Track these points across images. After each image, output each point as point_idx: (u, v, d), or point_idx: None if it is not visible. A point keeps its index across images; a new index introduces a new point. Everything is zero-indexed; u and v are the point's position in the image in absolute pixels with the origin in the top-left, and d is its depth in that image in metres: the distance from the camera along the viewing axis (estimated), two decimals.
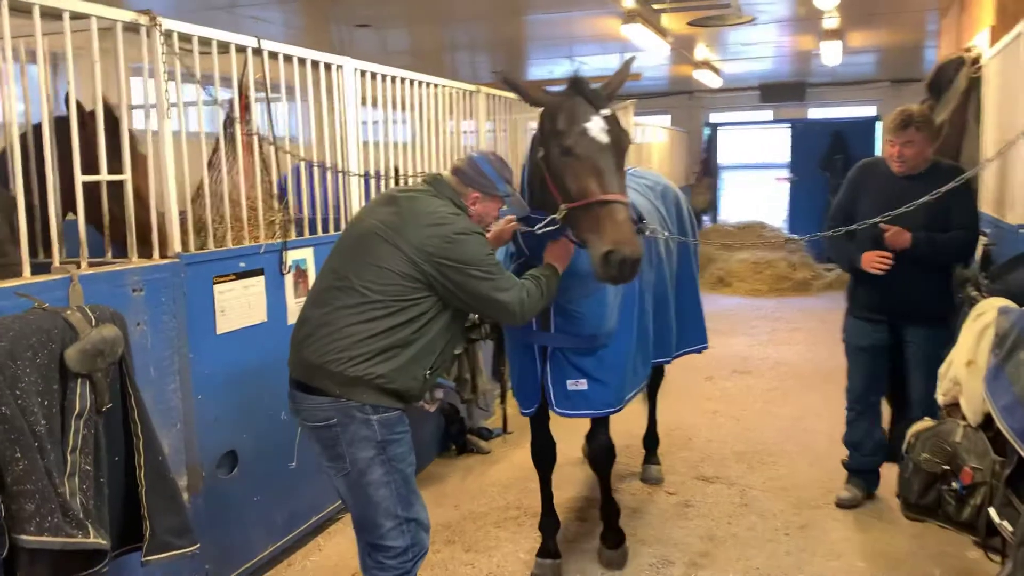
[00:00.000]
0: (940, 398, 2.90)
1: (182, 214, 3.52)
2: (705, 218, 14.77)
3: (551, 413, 3.80)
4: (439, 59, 11.49)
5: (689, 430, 5.92)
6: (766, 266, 12.19)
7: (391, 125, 5.18)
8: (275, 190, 3.93)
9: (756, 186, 15.85)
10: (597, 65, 11.71)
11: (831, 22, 8.26)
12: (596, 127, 2.91)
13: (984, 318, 2.71)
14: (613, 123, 2.95)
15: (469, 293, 2.83)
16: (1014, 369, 2.44)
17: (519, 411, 3.92)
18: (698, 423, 6.09)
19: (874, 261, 4.07)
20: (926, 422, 2.93)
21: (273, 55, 3.89)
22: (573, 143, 2.91)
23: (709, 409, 6.43)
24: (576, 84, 3.02)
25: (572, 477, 5.09)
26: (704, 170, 14.83)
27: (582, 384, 3.66)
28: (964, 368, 2.72)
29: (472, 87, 5.93)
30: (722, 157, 15.74)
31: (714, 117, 15.80)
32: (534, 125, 3.35)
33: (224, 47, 3.61)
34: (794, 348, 8.50)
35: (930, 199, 3.49)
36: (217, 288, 3.52)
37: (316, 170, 4.44)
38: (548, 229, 3.03)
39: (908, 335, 4.20)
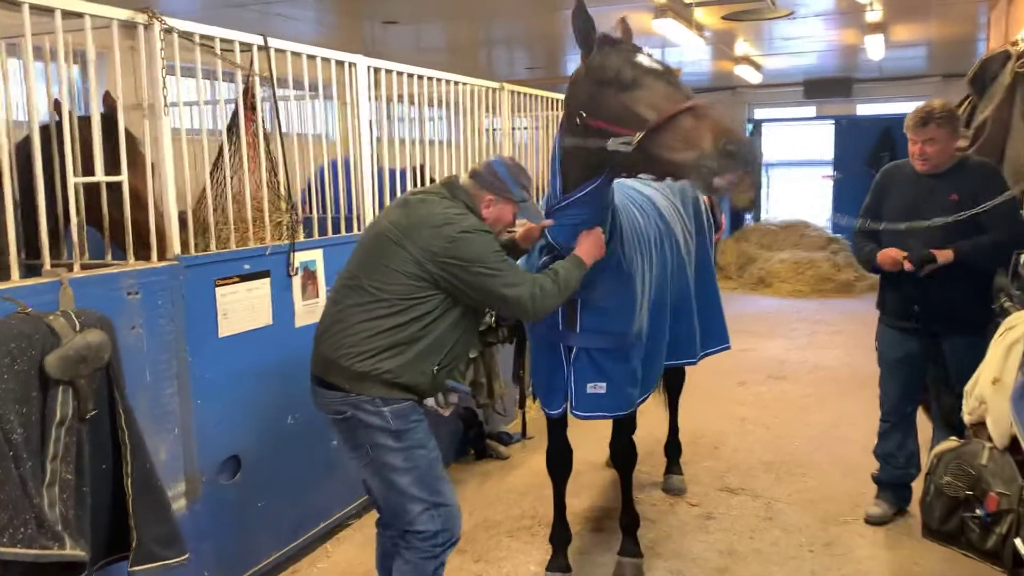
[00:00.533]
0: (966, 417, 2.70)
1: (183, 215, 3.48)
2: (747, 216, 14.45)
3: (570, 418, 3.72)
4: (474, 56, 11.39)
5: (716, 438, 5.74)
6: (808, 266, 11.88)
7: (410, 123, 5.11)
8: (282, 190, 3.86)
9: (801, 184, 15.47)
10: None
11: (874, 15, 7.95)
12: (647, 60, 2.89)
13: (1013, 333, 2.52)
14: (655, 58, 2.94)
15: (479, 290, 2.87)
16: None
17: (544, 411, 3.81)
18: (726, 430, 5.90)
19: (890, 259, 3.88)
20: (950, 442, 2.73)
21: (281, 52, 3.81)
22: (635, 74, 2.84)
23: (739, 416, 6.23)
24: (608, 38, 3.01)
25: (591, 483, 4.96)
26: None
27: (600, 388, 3.58)
28: (990, 386, 2.53)
29: (495, 84, 5.82)
30: (766, 154, 15.36)
31: (758, 113, 15.46)
32: None
33: (228, 45, 3.55)
34: (833, 352, 8.24)
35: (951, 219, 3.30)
36: (219, 291, 3.46)
37: (341, 168, 4.39)
38: (624, 148, 2.87)
39: (946, 345, 3.96)
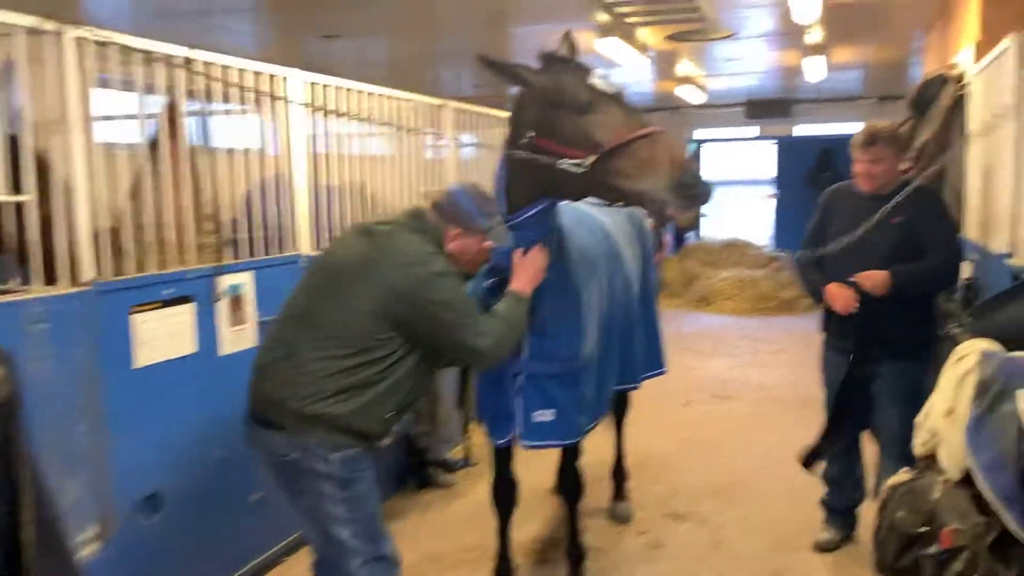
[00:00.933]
0: (917, 448, 2.63)
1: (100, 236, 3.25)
2: (689, 235, 14.53)
3: (516, 448, 3.60)
4: (420, 73, 11.25)
5: (662, 461, 5.65)
6: (750, 284, 11.95)
7: (348, 139, 4.93)
8: (208, 210, 3.65)
9: (742, 203, 15.67)
10: None
11: (813, 37, 8.04)
12: (601, 80, 2.80)
13: (965, 362, 2.45)
14: (607, 78, 2.85)
15: (442, 338, 2.72)
16: (998, 423, 2.18)
17: (490, 442, 3.66)
18: (673, 453, 5.81)
19: (839, 300, 3.82)
20: (903, 474, 2.66)
21: (208, 65, 3.61)
22: (589, 96, 2.76)
23: (685, 437, 6.15)
24: (553, 57, 2.92)
25: (537, 511, 4.80)
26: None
27: (549, 415, 3.45)
28: (943, 417, 2.45)
29: (438, 101, 5.67)
30: (707, 173, 15.50)
31: (699, 133, 15.62)
32: None
33: (150, 56, 3.33)
34: (776, 371, 8.24)
35: (883, 217, 3.26)
36: (135, 318, 3.23)
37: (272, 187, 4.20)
38: (576, 170, 2.79)
39: (881, 368, 3.90)
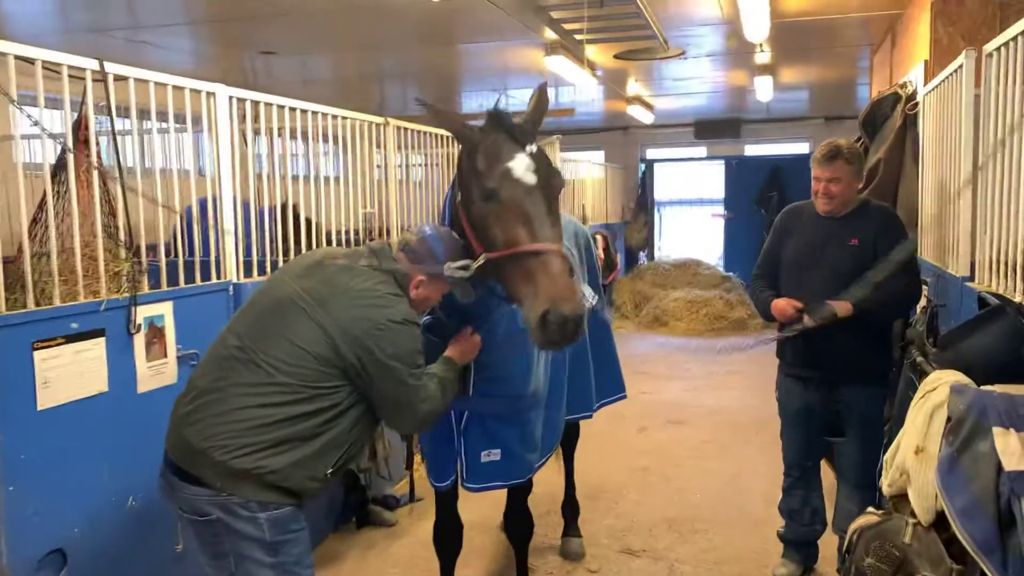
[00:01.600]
0: (885, 488, 2.46)
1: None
2: (641, 255, 14.47)
3: (460, 490, 3.38)
4: (365, 91, 11.01)
5: (616, 492, 5.44)
6: (702, 304, 11.88)
7: (281, 158, 4.69)
8: (122, 235, 3.36)
9: (692, 223, 15.67)
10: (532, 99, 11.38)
11: (763, 57, 8.02)
12: (521, 166, 2.45)
13: (935, 396, 2.29)
14: (541, 160, 2.50)
15: (382, 392, 2.46)
16: (971, 463, 2.02)
17: (431, 484, 3.43)
18: (627, 483, 5.61)
19: (783, 308, 3.70)
20: (870, 516, 2.48)
21: (122, 79, 3.34)
22: (496, 185, 2.45)
23: (639, 466, 5.96)
24: (497, 118, 2.56)
25: (482, 548, 4.56)
26: (639, 206, 14.54)
27: (495, 455, 3.23)
28: (913, 455, 2.28)
29: (379, 119, 5.45)
30: (658, 194, 15.51)
31: (650, 153, 15.61)
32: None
33: (54, 70, 3.05)
34: (731, 393, 8.12)
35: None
36: (38, 355, 2.92)
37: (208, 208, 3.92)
38: (461, 275, 2.56)
39: (840, 395, 3.76)
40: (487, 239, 2.50)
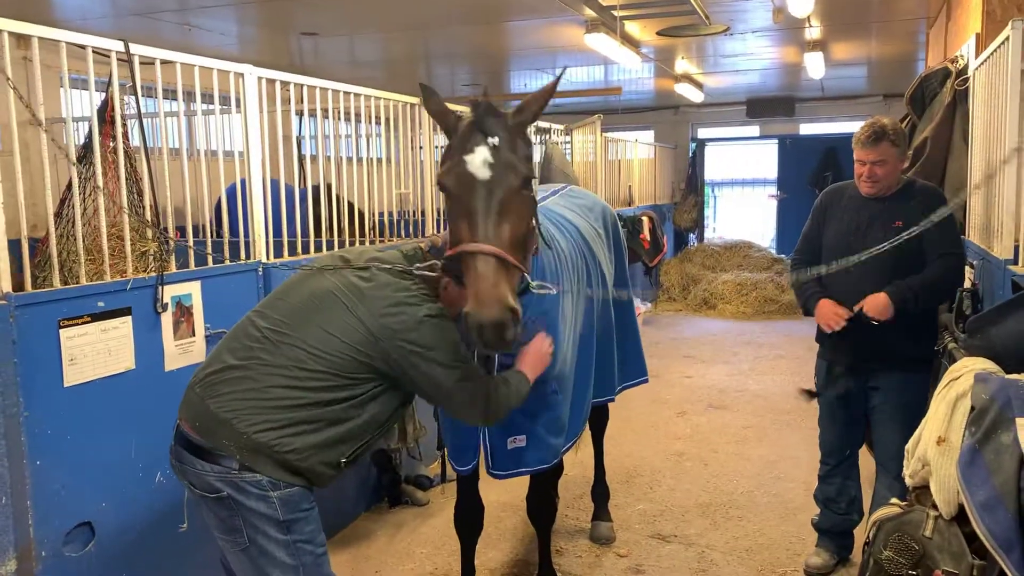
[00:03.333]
0: (907, 479, 2.36)
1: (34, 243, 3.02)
2: (691, 237, 14.25)
3: (485, 473, 3.34)
4: (411, 72, 11.00)
5: (651, 476, 5.38)
6: (752, 288, 11.66)
7: (320, 139, 4.70)
8: (149, 215, 3.40)
9: (744, 204, 15.39)
10: (581, 77, 11.26)
11: (813, 32, 7.77)
12: (477, 159, 2.35)
13: (958, 384, 2.18)
14: (502, 153, 2.37)
15: (429, 382, 2.44)
16: (993, 456, 1.91)
17: (452, 468, 3.42)
18: (662, 468, 5.54)
19: (829, 318, 3.60)
20: (891, 508, 2.39)
21: (148, 61, 3.37)
22: (446, 179, 2.40)
23: (676, 451, 5.88)
24: (474, 107, 2.45)
25: (510, 530, 4.56)
26: (689, 187, 14.30)
27: (520, 441, 3.20)
28: (934, 446, 2.18)
29: (415, 99, 5.42)
30: (709, 174, 15.24)
31: (701, 133, 15.32)
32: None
33: (79, 51, 3.09)
34: (776, 379, 7.95)
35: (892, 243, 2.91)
36: (64, 333, 2.98)
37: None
38: (426, 274, 2.53)
39: (878, 381, 3.65)
40: (451, 237, 2.48)
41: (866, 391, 3.75)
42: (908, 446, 2.39)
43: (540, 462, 3.28)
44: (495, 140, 2.37)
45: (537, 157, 8.37)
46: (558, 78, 2.65)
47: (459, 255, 2.32)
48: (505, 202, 2.34)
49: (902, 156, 3.65)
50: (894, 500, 2.45)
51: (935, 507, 2.22)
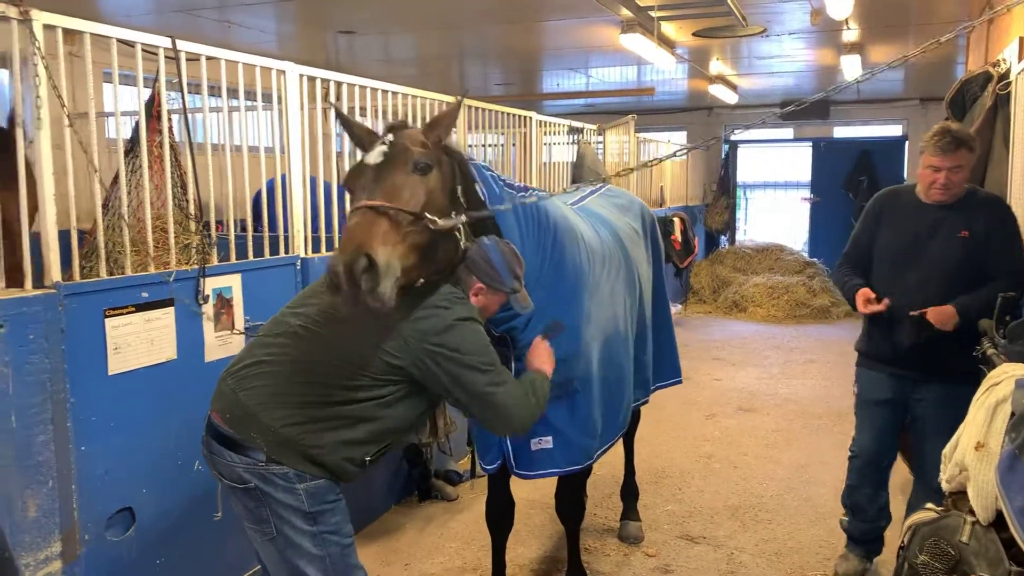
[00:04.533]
0: (944, 484, 2.35)
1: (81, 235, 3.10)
2: (722, 239, 14.18)
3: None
4: (445, 70, 11.05)
5: (680, 478, 5.38)
6: (783, 291, 11.58)
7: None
8: (192, 208, 3.47)
9: (777, 207, 15.27)
10: (614, 78, 11.25)
11: (850, 35, 7.70)
12: (371, 156, 2.44)
13: (998, 391, 2.17)
14: (396, 142, 2.45)
15: (461, 386, 2.45)
16: None
17: (479, 466, 3.46)
18: (691, 470, 5.54)
19: (866, 304, 3.52)
20: (927, 512, 2.38)
21: (194, 57, 3.44)
22: (349, 176, 2.50)
23: (705, 453, 5.87)
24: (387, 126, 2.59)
25: (539, 527, 4.59)
26: (721, 189, 14.22)
27: (547, 442, 3.21)
28: (973, 451, 2.18)
29: (450, 98, 5.46)
30: (742, 176, 15.14)
31: (734, 134, 15.21)
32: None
33: (128, 47, 3.17)
34: (806, 383, 7.91)
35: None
36: (110, 322, 3.06)
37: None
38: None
39: (925, 392, 3.57)
40: None
41: (909, 401, 3.67)
42: (945, 451, 2.38)
43: (570, 463, 3.28)
44: (390, 137, 2.46)
45: (570, 156, 8.40)
46: (459, 102, 2.81)
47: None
48: (391, 172, 2.38)
49: (974, 163, 3.57)
50: (930, 505, 2.44)
51: (972, 512, 2.21)
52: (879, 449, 3.83)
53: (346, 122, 2.66)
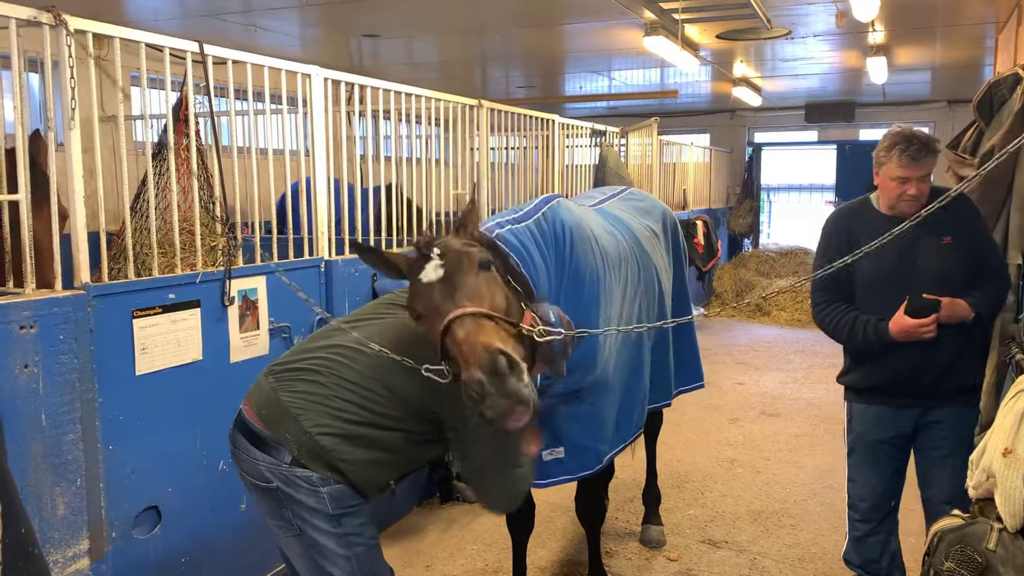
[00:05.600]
0: (970, 491, 2.33)
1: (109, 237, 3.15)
2: (746, 242, 14.10)
3: None
4: (467, 74, 11.09)
5: (702, 483, 5.35)
6: (807, 295, 11.46)
7: (380, 140, 4.79)
8: (219, 211, 3.51)
9: (801, 210, 15.17)
10: (637, 80, 11.23)
11: (876, 36, 7.64)
12: (428, 273, 2.30)
13: None
14: (448, 251, 2.33)
15: (485, 450, 2.44)
16: None
17: None
18: (714, 474, 5.51)
19: (913, 329, 3.04)
20: (953, 519, 2.36)
21: (221, 61, 3.48)
22: (413, 300, 2.34)
23: (728, 457, 5.84)
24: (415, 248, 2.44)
25: (561, 530, 4.59)
26: (745, 192, 14.14)
27: (558, 453, 3.20)
28: (1000, 458, 2.15)
29: (473, 101, 5.49)
30: (766, 179, 15.05)
31: (758, 137, 15.14)
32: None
33: (156, 52, 3.21)
34: (830, 387, 7.82)
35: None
36: (137, 323, 3.10)
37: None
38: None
39: (936, 415, 3.22)
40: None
41: (917, 429, 3.30)
42: (972, 457, 2.36)
43: (583, 469, 3.24)
44: (436, 251, 2.32)
45: (592, 159, 8.39)
46: (474, 205, 2.62)
47: (442, 343, 2.20)
48: (468, 279, 2.27)
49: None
50: (956, 512, 2.41)
51: (999, 519, 2.19)
52: (887, 491, 3.40)
53: (375, 255, 2.52)
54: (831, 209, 14.27)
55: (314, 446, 2.34)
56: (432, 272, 2.28)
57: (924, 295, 3.04)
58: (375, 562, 2.49)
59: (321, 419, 2.36)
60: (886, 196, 3.25)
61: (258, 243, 3.70)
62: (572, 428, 3.13)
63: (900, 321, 3.07)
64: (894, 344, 3.13)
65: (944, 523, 2.38)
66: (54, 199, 2.90)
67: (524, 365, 2.12)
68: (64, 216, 3.02)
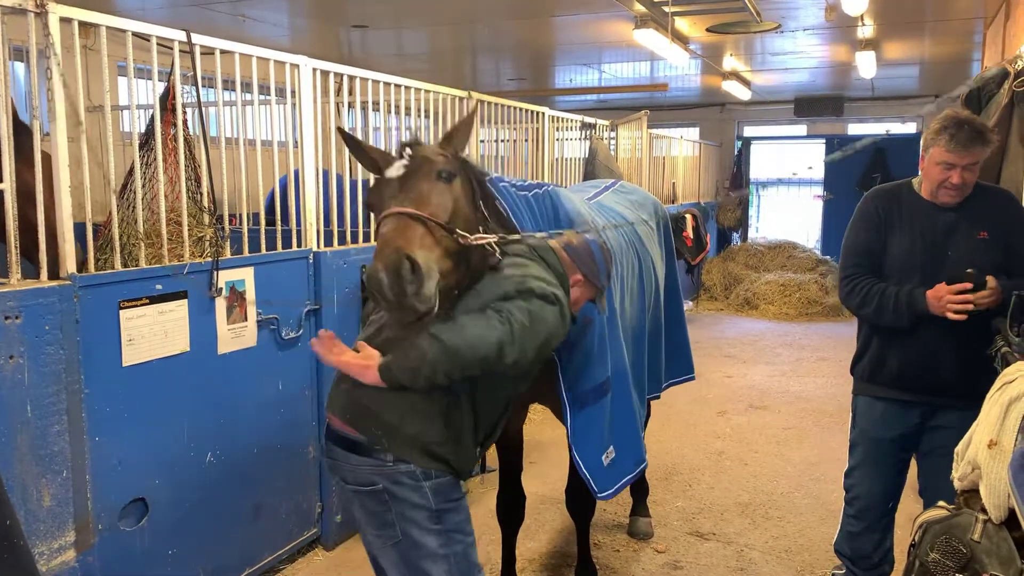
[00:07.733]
0: (956, 483, 2.34)
1: (95, 227, 3.12)
2: (734, 236, 14.13)
3: (523, 464, 3.45)
4: (457, 65, 11.06)
5: (690, 475, 5.37)
6: (795, 289, 11.54)
7: (368, 131, 4.77)
8: (206, 201, 3.49)
9: (790, 203, 15.23)
10: (627, 73, 11.23)
11: (865, 31, 7.66)
12: (391, 170, 2.46)
13: (1012, 388, 2.16)
14: (416, 154, 2.47)
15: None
16: None
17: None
18: (701, 466, 5.53)
19: (952, 302, 2.92)
20: (938, 510, 2.37)
21: (208, 51, 3.46)
22: (371, 192, 2.51)
23: (716, 450, 5.87)
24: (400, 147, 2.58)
25: (549, 521, 4.59)
26: (734, 185, 14.18)
27: (611, 453, 3.24)
28: (985, 449, 2.17)
29: (462, 92, 5.47)
30: (755, 172, 15.09)
31: (747, 131, 15.17)
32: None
33: (143, 41, 3.18)
34: (818, 381, 7.88)
35: None
36: (124, 314, 3.08)
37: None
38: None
39: (942, 419, 3.15)
40: None
41: (922, 431, 3.24)
42: (958, 448, 2.37)
43: (639, 462, 3.34)
44: (408, 151, 2.47)
45: (582, 152, 8.39)
46: (473, 113, 2.81)
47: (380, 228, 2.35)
48: (416, 182, 2.39)
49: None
50: (942, 503, 2.42)
51: (984, 511, 2.20)
52: (887, 491, 3.36)
53: (357, 145, 2.64)
54: (819, 203, 14.39)
55: (404, 436, 2.34)
56: (394, 170, 2.44)
57: (967, 270, 2.93)
58: (471, 561, 2.49)
59: (401, 406, 2.35)
60: (928, 182, 3.15)
61: (246, 234, 3.68)
62: (612, 424, 3.16)
63: (937, 289, 2.98)
64: (922, 318, 3.04)
65: (929, 514, 2.39)
66: (39, 188, 2.86)
67: (432, 272, 2.24)
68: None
